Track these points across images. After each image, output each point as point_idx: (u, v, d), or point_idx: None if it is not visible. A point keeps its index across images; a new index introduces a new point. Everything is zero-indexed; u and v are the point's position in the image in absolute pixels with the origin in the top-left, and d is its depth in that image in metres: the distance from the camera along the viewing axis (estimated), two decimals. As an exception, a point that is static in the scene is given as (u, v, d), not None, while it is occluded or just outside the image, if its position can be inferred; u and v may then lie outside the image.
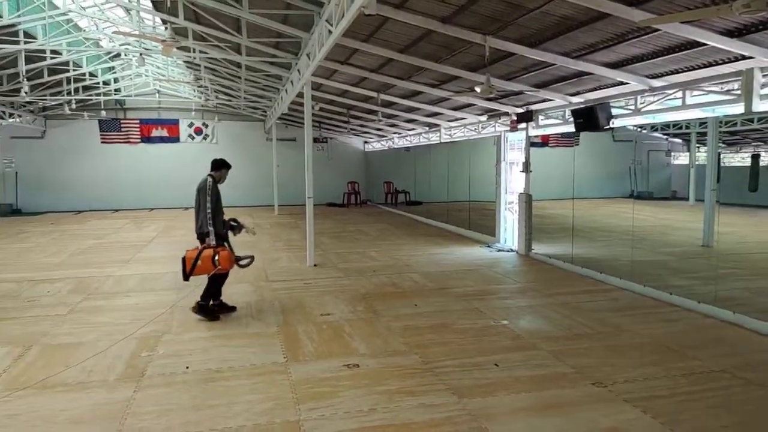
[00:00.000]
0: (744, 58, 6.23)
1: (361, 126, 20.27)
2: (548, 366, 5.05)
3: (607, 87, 8.65)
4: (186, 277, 6.38)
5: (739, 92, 6.58)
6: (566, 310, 6.89)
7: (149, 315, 6.76)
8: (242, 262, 6.69)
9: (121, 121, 21.81)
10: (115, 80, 19.76)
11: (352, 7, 5.45)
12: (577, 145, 24.07)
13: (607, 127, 8.62)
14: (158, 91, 21.59)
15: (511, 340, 5.79)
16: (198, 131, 22.44)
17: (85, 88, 18.79)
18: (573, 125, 9.27)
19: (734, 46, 5.89)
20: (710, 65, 6.85)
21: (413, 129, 18.11)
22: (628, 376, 4.76)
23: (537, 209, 13.64)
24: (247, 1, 8.38)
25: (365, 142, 24.66)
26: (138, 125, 21.92)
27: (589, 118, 8.69)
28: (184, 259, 6.39)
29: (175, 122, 22.15)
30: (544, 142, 24.08)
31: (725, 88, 7.05)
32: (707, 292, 7.22)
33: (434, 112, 14.24)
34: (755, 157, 23.18)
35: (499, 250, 11.68)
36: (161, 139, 22.18)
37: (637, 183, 25.56)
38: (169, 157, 22.29)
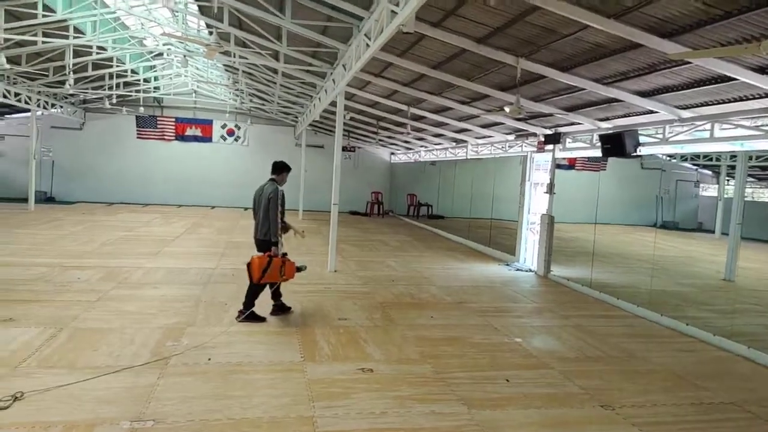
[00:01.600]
0: (775, 95, 6.28)
1: (389, 137, 20.54)
2: (558, 385, 5.14)
3: (637, 115, 8.72)
4: (253, 282, 6.54)
5: (767, 128, 6.62)
6: (580, 333, 6.95)
7: (175, 307, 7.03)
8: (301, 269, 6.89)
9: (158, 119, 22.47)
10: (155, 78, 20.40)
11: (391, 24, 5.68)
12: (604, 170, 23.93)
13: (634, 154, 8.69)
14: (195, 92, 22.21)
15: (524, 358, 5.88)
16: (230, 133, 22.99)
17: (126, 84, 19.45)
18: (600, 150, 9.36)
19: (764, 83, 5.95)
20: (740, 100, 6.90)
21: (440, 144, 18.29)
22: (636, 401, 4.82)
23: (559, 232, 13.65)
24: (290, 12, 8.69)
25: (392, 153, 24.93)
26: (173, 123, 22.56)
27: (616, 144, 8.76)
28: (249, 265, 6.55)
29: (209, 122, 22.74)
30: (571, 164, 23.97)
31: (754, 124, 7.09)
32: (724, 326, 7.21)
33: (462, 129, 14.40)
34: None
35: (517, 269, 11.73)
36: (194, 138, 22.78)
37: (663, 212, 25.28)
38: (200, 156, 22.88)
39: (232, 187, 22.86)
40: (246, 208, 22.38)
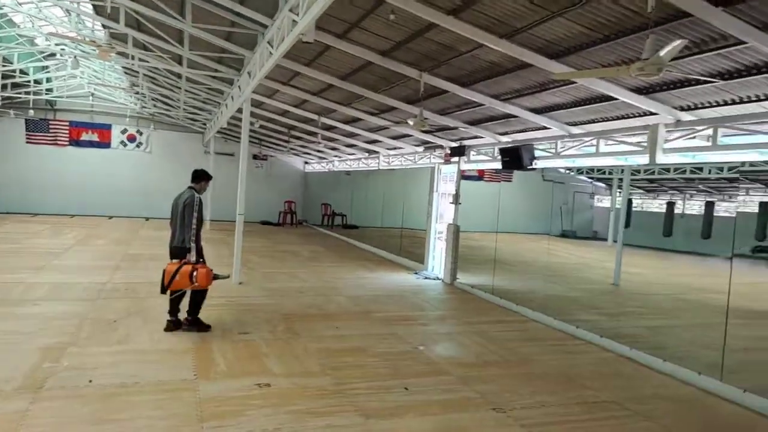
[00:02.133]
0: (651, 113, 6.85)
1: (302, 146, 20.36)
2: (456, 391, 5.25)
3: (533, 130, 9.20)
4: (163, 290, 6.38)
5: (645, 144, 7.20)
6: (480, 339, 7.17)
7: (56, 325, 6.48)
8: (220, 277, 6.69)
9: (50, 122, 20.82)
10: (48, 80, 18.95)
11: (291, 33, 5.61)
12: (510, 181, 25.09)
13: (531, 167, 9.14)
14: (92, 94, 20.85)
15: (425, 365, 5.97)
16: (131, 138, 21.75)
17: (14, 86, 17.91)
18: (500, 162, 9.77)
19: (642, 103, 6.48)
20: (622, 118, 7.47)
21: (353, 154, 18.36)
22: (527, 403, 5.03)
23: (468, 240, 14.09)
24: (190, 15, 8.37)
25: (306, 162, 24.70)
26: (67, 127, 20.99)
27: (514, 158, 9.18)
28: (164, 272, 6.35)
29: (108, 127, 21.39)
30: (480, 176, 24.96)
31: (635, 140, 7.69)
32: (610, 328, 7.72)
33: (374, 140, 14.55)
34: (670, 205, 25.02)
35: (425, 278, 11.96)
36: (91, 144, 21.32)
37: (563, 222, 26.89)
38: (98, 163, 21.44)
39: (133, 196, 21.62)
40: (148, 218, 21.30)
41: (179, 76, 13.39)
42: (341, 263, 13.40)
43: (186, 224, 6.44)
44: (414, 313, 8.59)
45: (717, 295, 9.22)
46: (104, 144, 21.50)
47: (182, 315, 6.71)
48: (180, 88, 14.78)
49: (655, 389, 5.72)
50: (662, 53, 3.55)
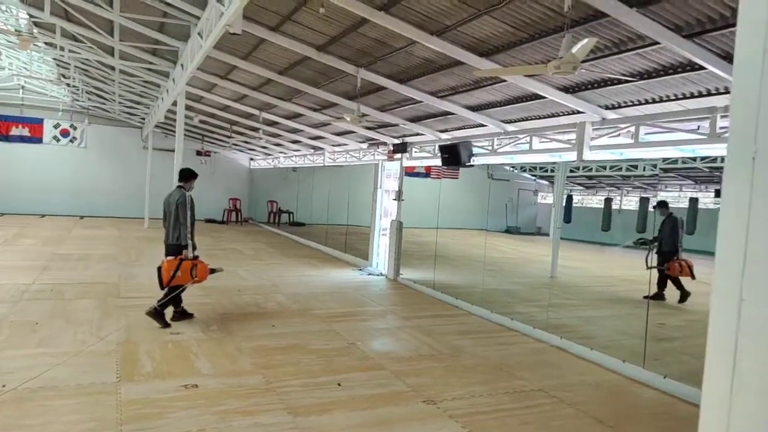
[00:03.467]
0: (578, 112, 7.09)
1: (246, 142, 19.99)
2: (388, 385, 5.27)
3: (471, 127, 9.36)
4: (162, 286, 6.67)
5: (574, 141, 7.45)
6: (418, 333, 7.23)
7: (-30, 329, 6.11)
8: (215, 270, 7.04)
9: (-25, 116, 19.61)
10: (-29, 70, 17.82)
11: (218, 24, 5.48)
12: (457, 178, 25.46)
13: (469, 163, 9.30)
14: (22, 87, 19.76)
15: (360, 361, 5.97)
16: (65, 133, 20.74)
17: (-67, 76, 16.76)
18: (440, 159, 9.89)
19: (569, 101, 6.69)
20: (553, 116, 7.70)
21: (298, 150, 18.17)
22: (457, 394, 5.11)
23: (414, 236, 14.23)
24: (118, 4, 8.04)
25: (251, 159, 24.27)
26: (-6, 121, 19.82)
27: (453, 154, 9.33)
28: (159, 269, 6.68)
29: (39, 121, 20.31)
30: (427, 172, 25.22)
31: (566, 138, 7.94)
32: (543, 319, 7.95)
33: (318, 136, 14.44)
34: (608, 201, 26.02)
35: (369, 274, 11.99)
36: (21, 139, 20.20)
37: (508, 218, 27.53)
38: (29, 159, 20.34)
39: (67, 194, 20.67)
40: (82, 217, 20.43)
41: (113, 68, 12.86)
42: (285, 261, 13.25)
43: (181, 222, 6.76)
44: (354, 309, 8.58)
45: (645, 286, 9.67)
46: (35, 139, 20.43)
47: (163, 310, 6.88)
48: (114, 80, 14.20)
49: (581, 377, 5.92)
50: (574, 50, 3.67)
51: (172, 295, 6.77)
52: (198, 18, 7.61)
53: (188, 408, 4.44)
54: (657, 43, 4.82)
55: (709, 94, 5.62)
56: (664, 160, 16.63)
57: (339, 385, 5.18)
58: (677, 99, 6.00)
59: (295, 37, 7.11)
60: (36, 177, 20.35)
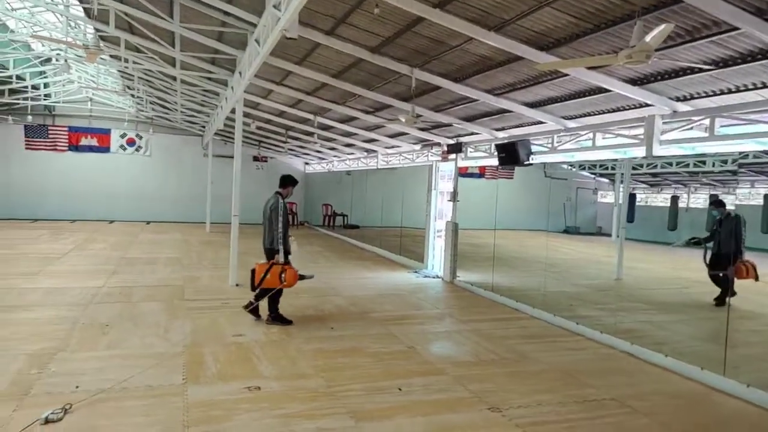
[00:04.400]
0: (647, 105, 6.72)
1: (301, 147, 20.30)
2: (449, 391, 5.14)
3: (528, 125, 9.09)
4: (254, 288, 7.04)
5: (642, 137, 7.07)
6: (477, 337, 7.05)
7: (47, 330, 6.42)
8: (305, 277, 7.25)
9: (49, 128, 20.81)
10: (45, 85, 18.93)
11: (275, 30, 5.52)
12: (512, 178, 24.93)
13: (527, 162, 9.02)
14: (91, 99, 20.84)
15: (419, 365, 5.86)
16: (131, 142, 21.72)
17: (12, 92, 17.90)
18: (497, 159, 9.65)
19: (636, 94, 6.35)
20: (618, 110, 7.34)
21: (352, 153, 18.28)
22: (523, 402, 4.91)
23: (470, 238, 13.96)
24: (178, 16, 8.29)
25: (306, 163, 24.63)
26: (66, 132, 20.98)
27: (510, 153, 9.07)
28: (253, 271, 7.02)
29: (107, 132, 21.37)
30: (481, 173, 24.82)
31: (632, 133, 7.56)
32: (611, 324, 7.60)
33: (371, 138, 14.45)
34: (674, 199, 24.80)
35: (425, 276, 11.86)
36: (90, 149, 21.30)
37: (566, 218, 26.68)
38: (97, 168, 21.42)
39: (133, 200, 21.62)
40: (149, 222, 21.30)
41: (174, 78, 13.33)
42: (340, 264, 13.31)
43: (274, 227, 6.99)
44: (411, 312, 8.48)
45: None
46: (103, 148, 21.49)
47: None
48: (176, 90, 14.72)
49: (656, 385, 5.59)
50: (648, 38, 3.44)
51: (264, 296, 7.14)
52: (255, 25, 7.73)
53: (252, 411, 4.47)
54: (735, 28, 4.49)
55: (795, 81, 5.19)
56: (740, 153, 15.63)
57: (400, 389, 5.10)
58: (756, 88, 5.57)
59: (349, 40, 7.10)
60: (104, 184, 21.39)
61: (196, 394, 4.77)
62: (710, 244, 9.25)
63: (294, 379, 5.24)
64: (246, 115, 14.46)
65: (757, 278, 8.75)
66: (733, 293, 8.92)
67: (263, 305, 7.29)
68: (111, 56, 13.45)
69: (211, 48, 9.81)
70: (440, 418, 4.52)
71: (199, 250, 14.22)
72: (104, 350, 5.93)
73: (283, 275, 6.86)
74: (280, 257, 6.94)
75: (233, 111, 10.64)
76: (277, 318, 7.17)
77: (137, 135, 21.84)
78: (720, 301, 9.07)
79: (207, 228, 19.05)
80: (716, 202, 9.69)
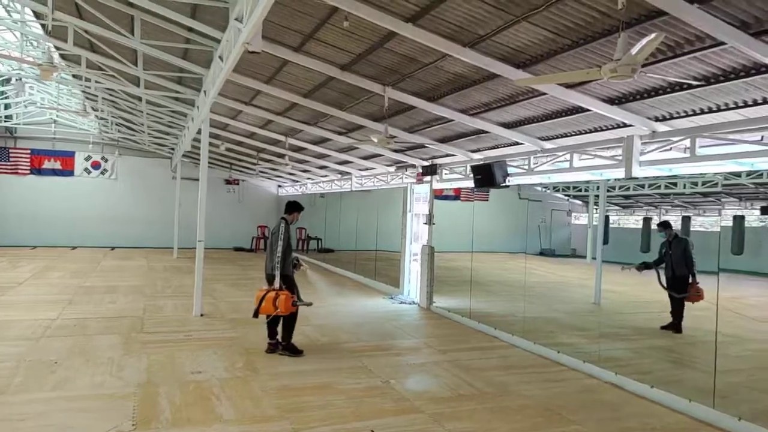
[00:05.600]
0: (625, 125, 6.56)
1: (273, 169, 19.88)
2: (427, 432, 4.74)
3: (504, 146, 8.89)
4: (255, 314, 6.81)
5: (620, 158, 6.89)
6: (456, 369, 6.68)
7: (-15, 371, 5.82)
8: (301, 304, 7.07)
9: (10, 150, 20.00)
10: (6, 106, 18.20)
11: (237, 43, 5.19)
12: (487, 200, 24.86)
13: (504, 184, 8.80)
14: (55, 121, 20.12)
15: (394, 402, 5.45)
16: (96, 165, 20.98)
17: (-31, 113, 17.17)
18: (473, 181, 9.41)
19: (615, 114, 6.18)
20: (596, 131, 7.17)
21: (326, 176, 17.94)
22: (506, 444, 4.54)
23: (446, 261, 13.67)
24: (139, 32, 7.91)
25: (279, 186, 24.16)
26: (29, 155, 20.19)
27: (487, 175, 8.84)
28: (256, 297, 6.84)
29: (71, 154, 20.62)
30: (456, 195, 24.69)
31: (610, 154, 7.38)
32: (592, 351, 7.30)
33: (345, 160, 14.15)
34: (646, 220, 24.99)
35: (401, 302, 11.48)
36: (53, 172, 20.50)
37: (541, 240, 26.67)
38: (61, 192, 20.58)
39: (98, 225, 20.79)
40: (113, 248, 20.49)
41: (139, 98, 12.86)
42: (312, 289, 12.83)
43: (274, 252, 6.83)
44: (386, 342, 8.07)
45: (699, 312, 8.92)
46: (67, 172, 20.72)
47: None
48: (141, 111, 14.23)
49: (643, 419, 5.28)
50: (634, 51, 3.20)
51: (273, 326, 6.99)
52: (219, 41, 7.40)
53: (206, 462, 4.00)
54: (719, 44, 4.32)
55: (776, 100, 5.05)
56: (715, 174, 15.75)
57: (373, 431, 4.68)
58: (737, 107, 5.43)
59: (318, 57, 6.80)
60: (68, 209, 20.55)
61: (145, 443, 4.28)
62: (662, 269, 9.07)
63: (256, 423, 4.77)
64: (215, 136, 14.05)
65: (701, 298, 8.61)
66: (679, 321, 8.78)
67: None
68: (74, 76, 12.96)
69: (176, 66, 9.44)
70: (416, 464, 4.11)
71: (164, 277, 13.59)
72: (50, 391, 5.37)
73: (276, 301, 6.65)
74: (276, 283, 6.76)
75: (200, 131, 10.24)
76: (288, 348, 6.98)
77: (103, 158, 21.13)
78: (674, 326, 8.87)
79: (174, 254, 18.37)
80: (663, 224, 9.50)
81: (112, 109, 15.60)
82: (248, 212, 23.34)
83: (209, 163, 20.61)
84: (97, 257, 17.51)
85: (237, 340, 7.62)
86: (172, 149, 20.61)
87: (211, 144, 14.88)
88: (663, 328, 9.02)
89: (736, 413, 5.11)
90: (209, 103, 8.10)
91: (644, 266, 9.35)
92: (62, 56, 11.43)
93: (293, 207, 7.35)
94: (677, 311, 8.87)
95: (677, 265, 8.81)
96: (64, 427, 4.48)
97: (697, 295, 8.65)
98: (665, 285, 8.92)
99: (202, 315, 9.12)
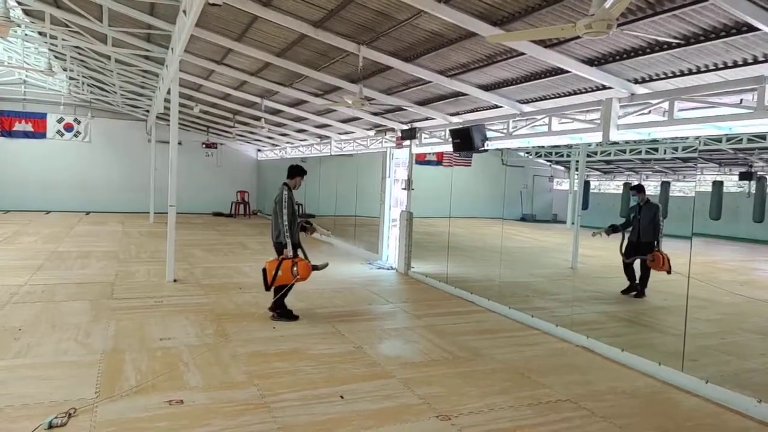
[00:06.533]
0: (604, 87, 6.41)
1: (251, 133, 19.46)
2: (397, 397, 4.71)
3: (483, 109, 8.70)
4: (267, 288, 6.66)
5: (599, 121, 6.76)
6: (430, 334, 6.66)
7: (-56, 339, 5.65)
8: (319, 267, 6.95)
9: (-22, 112, 19.29)
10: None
11: (198, -4, 4.89)
12: (469, 165, 24.70)
13: (483, 148, 8.65)
14: (24, 81, 19.37)
15: (366, 368, 5.41)
16: (68, 127, 20.35)
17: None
18: (452, 145, 9.25)
19: (594, 75, 6.02)
20: (575, 93, 7.02)
21: (305, 140, 17.61)
22: (474, 407, 4.53)
23: (426, 227, 13.60)
24: (101, -16, 7.49)
25: (258, 150, 23.75)
26: (-2, 117, 19.49)
27: (465, 139, 8.68)
28: (264, 270, 6.61)
29: (42, 116, 19.94)
30: (438, 160, 24.48)
31: (589, 117, 7.25)
32: (566, 315, 7.33)
33: (323, 124, 13.86)
34: (626, 186, 25.12)
35: (379, 268, 11.43)
36: (25, 134, 19.85)
37: (523, 206, 26.75)
38: (33, 155, 20.00)
39: (72, 189, 20.34)
40: (88, 212, 20.11)
41: (108, 57, 12.35)
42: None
43: (279, 220, 6.64)
44: (362, 307, 8.03)
45: (670, 277, 8.99)
46: (39, 134, 20.06)
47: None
48: (112, 71, 13.70)
49: (613, 383, 5.31)
50: (608, 5, 3.03)
51: (280, 294, 6.79)
52: (186, -4, 7.03)
53: (169, 430, 3.92)
54: (699, 0, 4.15)
55: (756, 61, 4.93)
56: (696, 138, 15.74)
57: (342, 397, 4.63)
58: (717, 69, 5.31)
59: (289, 12, 6.50)
60: (41, 173, 20.03)
61: (108, 411, 4.17)
62: (629, 232, 8.95)
63: (223, 389, 4.69)
64: (187, 97, 13.66)
65: (669, 271, 8.56)
66: (643, 287, 8.78)
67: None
68: (39, 33, 12.38)
69: (144, 23, 9.02)
70: (384, 430, 4.08)
71: (139, 243, 13.36)
72: (11, 359, 5.23)
73: (295, 268, 6.55)
74: (289, 251, 6.59)
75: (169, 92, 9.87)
76: (283, 314, 6.91)
77: (75, 120, 20.48)
78: (631, 290, 8.90)
79: (150, 218, 18.07)
80: (637, 187, 9.29)
81: (82, 68, 15.01)
82: (227, 177, 22.97)
83: (185, 125, 20.18)
84: (71, 222, 17.15)
85: (208, 306, 7.51)
86: (147, 111, 20.02)
87: (184, 106, 14.48)
88: (623, 292, 8.98)
89: (704, 376, 5.16)
90: (177, 60, 7.76)
91: (612, 230, 9.32)
92: (25, 12, 10.86)
93: (296, 171, 7.03)
94: (641, 276, 8.84)
95: (644, 230, 8.72)
96: (21, 396, 4.35)
97: (653, 261, 8.58)
98: (623, 250, 8.83)
99: (175, 281, 8.98)
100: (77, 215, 19.30)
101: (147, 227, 16.70)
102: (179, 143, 19.31)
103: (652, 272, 8.76)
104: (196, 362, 5.30)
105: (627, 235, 8.96)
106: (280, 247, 6.73)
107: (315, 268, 6.85)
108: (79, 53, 13.13)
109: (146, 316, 6.85)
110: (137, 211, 20.38)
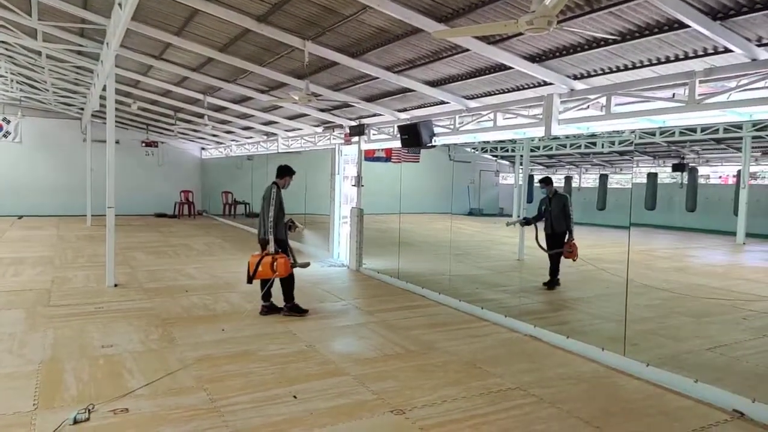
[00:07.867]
0: (545, 83, 6.60)
1: (194, 131, 18.92)
2: (351, 394, 4.69)
3: (431, 105, 8.79)
4: (249, 281, 6.88)
5: (541, 116, 6.96)
6: (383, 329, 6.68)
7: None
8: (300, 265, 7.21)
9: None
10: None
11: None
12: (418, 161, 24.90)
13: (430, 144, 8.75)
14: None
15: (319, 366, 5.37)
16: (-3, 127, 19.16)
17: None
18: (400, 141, 9.29)
19: (536, 71, 6.18)
20: (518, 89, 7.18)
21: (251, 137, 17.28)
22: (428, 400, 4.57)
23: (377, 223, 13.61)
24: (27, -26, 7.07)
25: (202, 148, 23.12)
26: None
27: (413, 135, 8.74)
28: (248, 264, 6.88)
29: (-33, 116, 18.68)
30: (387, 156, 24.55)
31: (531, 113, 7.46)
32: (514, 306, 7.52)
33: (270, 120, 13.64)
34: (567, 179, 26.03)
35: (330, 266, 11.37)
36: (-53, 135, 18.53)
37: (470, 200, 27.25)
38: (-43, 156, 18.73)
39: (3, 192, 19.23)
40: (21, 216, 19.03)
41: (39, 53, 11.69)
42: (239, 256, 12.43)
43: (264, 217, 6.90)
44: (314, 305, 7.93)
45: (611, 265, 9.38)
46: (-37, 134, 18.78)
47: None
48: (43, 67, 12.97)
49: (559, 369, 5.48)
50: (548, 1, 3.11)
51: (267, 288, 7.06)
52: (121, -12, 6.73)
53: (113, 440, 3.76)
54: (634, -3, 4.33)
55: (687, 57, 5.19)
56: (632, 132, 16.46)
57: (295, 397, 4.57)
58: (651, 65, 5.55)
59: (231, 6, 6.33)
60: (-35, 175, 18.78)
61: (47, 423, 3.95)
62: (541, 224, 9.24)
63: (171, 396, 4.54)
64: (125, 94, 13.14)
65: (575, 258, 8.97)
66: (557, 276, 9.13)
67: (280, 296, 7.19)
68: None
69: (77, 17, 8.56)
70: (339, 428, 4.05)
71: (76, 247, 12.74)
72: (-66, 374, 4.88)
73: (274, 264, 6.74)
74: (271, 247, 6.80)
75: (105, 89, 9.43)
76: (293, 309, 7.16)
77: (4, 119, 19.23)
78: (552, 283, 9.17)
79: (88, 221, 17.28)
80: (544, 180, 9.46)
81: (10, 65, 14.12)
82: (170, 176, 22.25)
83: (123, 123, 19.41)
84: (2, 227, 16.16)
85: (153, 311, 7.25)
86: (81, 109, 19.11)
87: (121, 103, 13.92)
88: (545, 284, 9.20)
89: (644, 359, 5.40)
90: (112, 56, 7.44)
91: (525, 222, 9.64)
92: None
93: (285, 171, 7.23)
94: (554, 268, 9.11)
95: (556, 221, 8.99)
96: (-48, 413, 4.07)
97: (570, 252, 8.88)
98: (539, 242, 9.13)
99: (116, 285, 8.62)
100: (9, 219, 18.21)
101: (84, 230, 15.96)
102: (117, 142, 18.60)
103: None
104: (141, 369, 5.11)
105: (540, 227, 9.22)
106: (265, 244, 6.93)
107: (295, 265, 7.06)
108: (7, 49, 12.35)
109: (86, 323, 6.54)
110: (73, 214, 19.44)
